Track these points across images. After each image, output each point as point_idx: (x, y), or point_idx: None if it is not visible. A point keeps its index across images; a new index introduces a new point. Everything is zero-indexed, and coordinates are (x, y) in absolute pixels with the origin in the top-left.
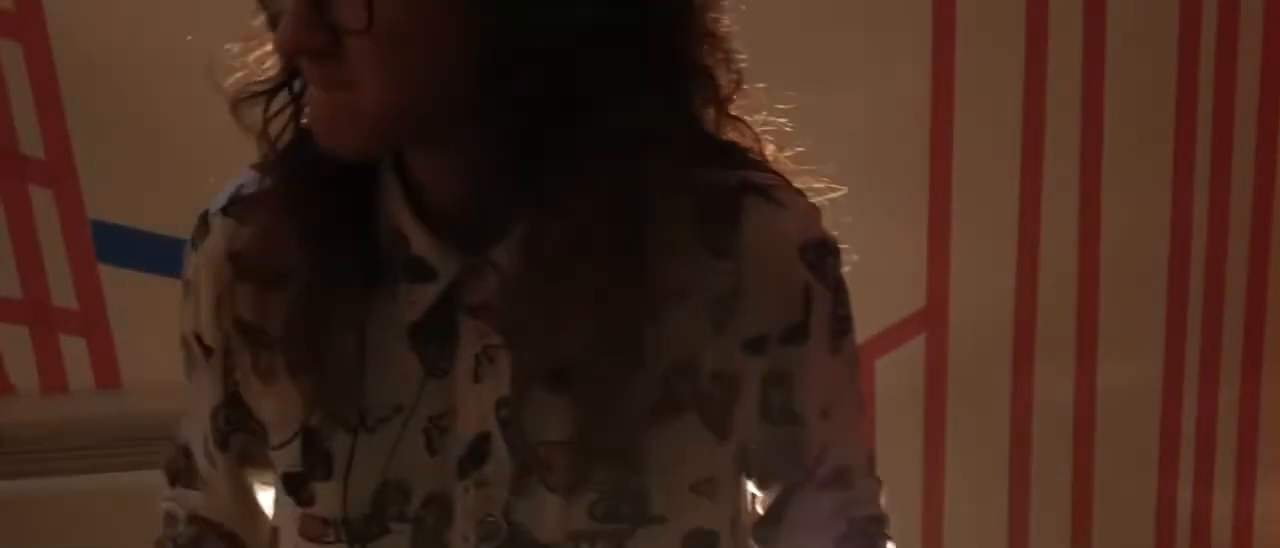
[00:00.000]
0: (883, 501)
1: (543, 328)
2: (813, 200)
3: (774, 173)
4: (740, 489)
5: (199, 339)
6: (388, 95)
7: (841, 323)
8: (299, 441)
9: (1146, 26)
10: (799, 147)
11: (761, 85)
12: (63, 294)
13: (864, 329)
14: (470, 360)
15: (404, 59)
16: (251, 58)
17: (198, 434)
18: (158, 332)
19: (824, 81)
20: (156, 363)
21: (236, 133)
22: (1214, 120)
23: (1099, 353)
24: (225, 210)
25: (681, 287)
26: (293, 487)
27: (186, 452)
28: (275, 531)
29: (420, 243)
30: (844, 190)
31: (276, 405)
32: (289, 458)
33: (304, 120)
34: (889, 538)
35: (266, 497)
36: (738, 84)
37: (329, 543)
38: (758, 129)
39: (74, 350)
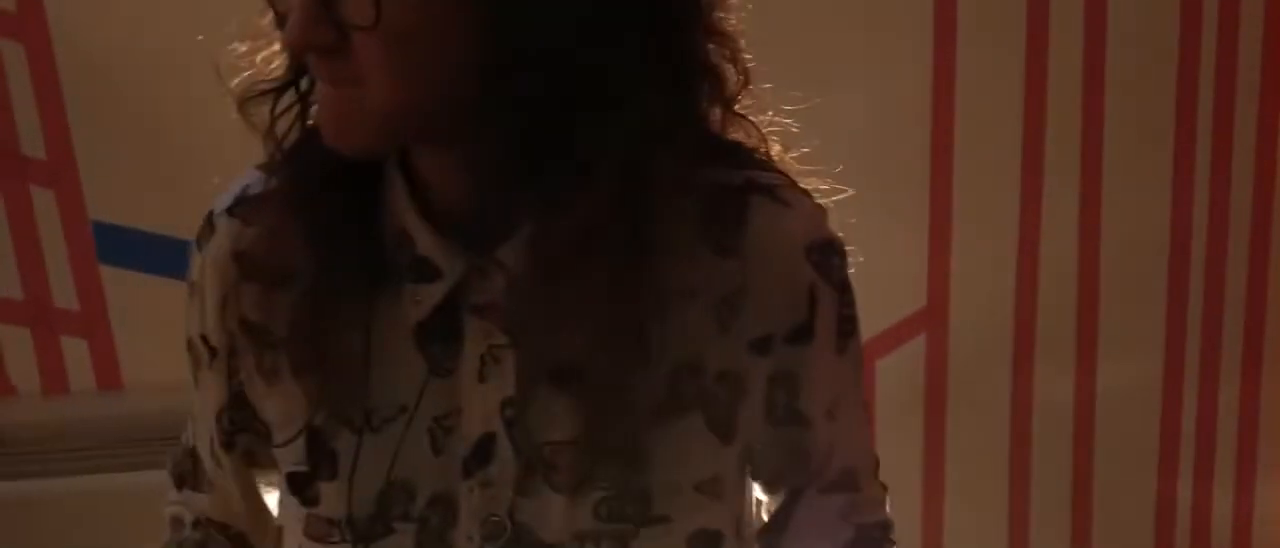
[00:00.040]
0: (888, 506)
1: (548, 328)
2: (818, 201)
3: (780, 173)
4: (745, 491)
5: (205, 341)
6: (395, 93)
7: (847, 324)
8: (302, 440)
9: (1146, 26)
10: (800, 147)
11: (768, 86)
12: (64, 295)
13: (864, 329)
14: (475, 360)
15: (411, 56)
16: (258, 58)
17: (204, 436)
18: (159, 333)
19: (824, 82)
20: (158, 364)
21: (238, 133)
22: (1214, 120)
23: (1099, 353)
24: (230, 211)
25: (687, 286)
26: (297, 487)
27: (193, 455)
28: (280, 531)
29: (426, 243)
30: (850, 192)
31: (280, 406)
32: (293, 457)
33: (310, 120)
34: (894, 544)
35: (273, 498)
36: (745, 83)
37: (334, 543)
38: (764, 129)
39: (75, 351)
